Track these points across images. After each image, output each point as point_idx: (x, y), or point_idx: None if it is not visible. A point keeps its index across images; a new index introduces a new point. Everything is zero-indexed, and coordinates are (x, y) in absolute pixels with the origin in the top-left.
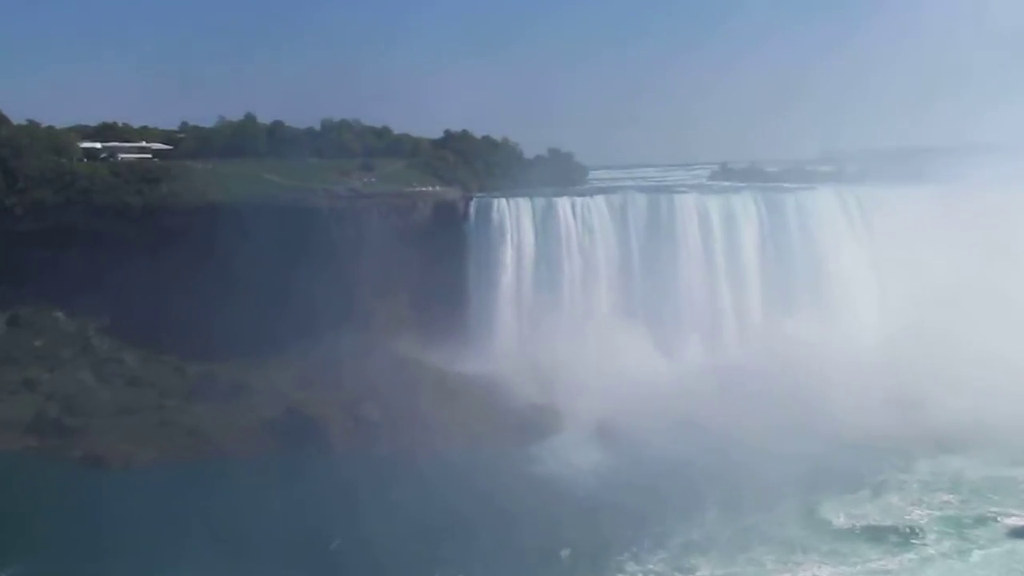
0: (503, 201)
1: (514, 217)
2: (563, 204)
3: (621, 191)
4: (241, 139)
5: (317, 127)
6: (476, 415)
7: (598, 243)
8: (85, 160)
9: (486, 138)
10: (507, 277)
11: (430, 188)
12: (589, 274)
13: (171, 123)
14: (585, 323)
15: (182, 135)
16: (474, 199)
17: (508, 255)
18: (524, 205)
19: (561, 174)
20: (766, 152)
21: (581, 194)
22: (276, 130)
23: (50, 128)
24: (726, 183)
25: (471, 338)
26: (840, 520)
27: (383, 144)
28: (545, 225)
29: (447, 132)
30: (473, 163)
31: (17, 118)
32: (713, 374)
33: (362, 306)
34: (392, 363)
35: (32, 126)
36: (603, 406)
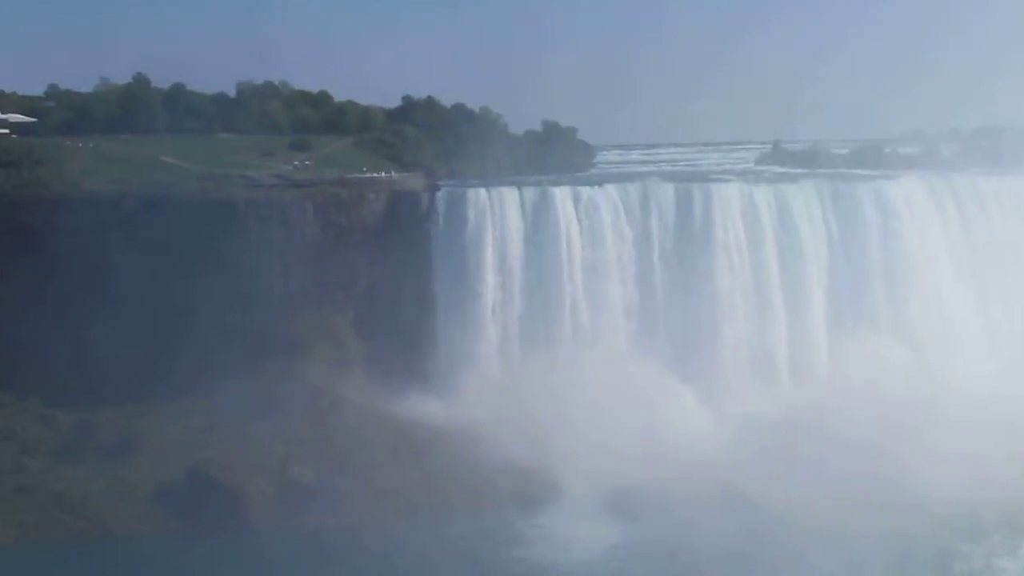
0: (481, 192)
1: (497, 213)
2: (562, 196)
3: (640, 179)
4: (130, 108)
5: (231, 93)
6: (444, 479)
7: (609, 248)
8: None
9: (459, 107)
10: (487, 293)
11: (384, 174)
12: (598, 290)
13: (35, 87)
14: (592, 356)
15: (50, 103)
16: (442, 189)
17: (488, 264)
18: (510, 197)
19: (560, 156)
20: (832, 129)
21: (587, 182)
22: (176, 96)
23: None
24: (780, 169)
25: (438, 376)
26: None
27: (320, 115)
28: (538, 224)
29: (407, 100)
30: (442, 141)
31: None
32: (764, 426)
33: (291, 333)
34: (331, 409)
35: None
36: (617, 470)
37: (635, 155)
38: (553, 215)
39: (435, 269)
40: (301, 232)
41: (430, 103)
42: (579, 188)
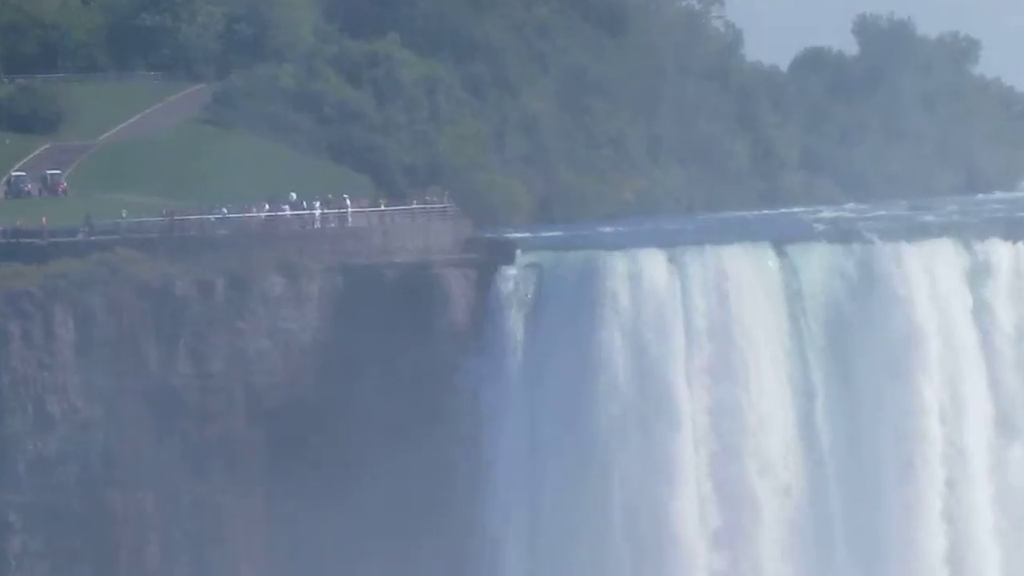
0: (651, 261)
1: (705, 327)
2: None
3: None
4: None
5: None
6: None
7: None
8: None
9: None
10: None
11: (324, 207)
12: None
13: None
14: None
15: None
16: (520, 255)
17: (686, 464)
18: (749, 271)
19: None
20: None
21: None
22: None
23: None
24: None
25: None
26: None
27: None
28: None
29: None
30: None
31: None
32: None
33: None
34: None
35: None
36: None
37: None
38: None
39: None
40: (42, 428)
41: None
42: (985, 245)
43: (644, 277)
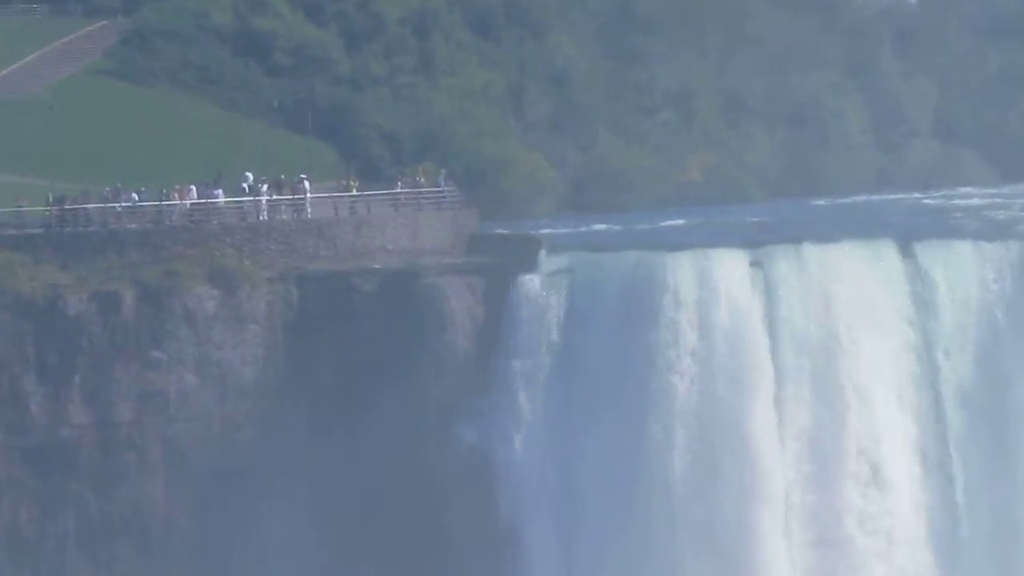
0: (734, 263)
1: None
2: None
3: None
4: None
5: None
6: None
7: None
8: None
9: None
10: None
11: (272, 191)
12: None
13: None
14: None
15: None
16: (544, 266)
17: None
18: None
19: None
20: None
21: None
22: None
23: None
24: None
25: None
26: None
27: None
28: None
29: None
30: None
31: None
32: None
33: None
34: None
35: None
36: None
37: None
38: None
39: None
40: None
41: None
42: None
43: (718, 287)
